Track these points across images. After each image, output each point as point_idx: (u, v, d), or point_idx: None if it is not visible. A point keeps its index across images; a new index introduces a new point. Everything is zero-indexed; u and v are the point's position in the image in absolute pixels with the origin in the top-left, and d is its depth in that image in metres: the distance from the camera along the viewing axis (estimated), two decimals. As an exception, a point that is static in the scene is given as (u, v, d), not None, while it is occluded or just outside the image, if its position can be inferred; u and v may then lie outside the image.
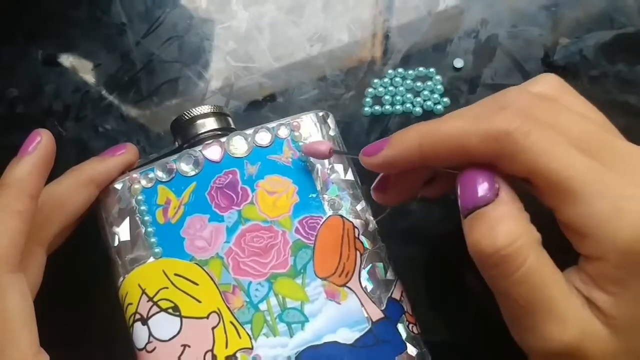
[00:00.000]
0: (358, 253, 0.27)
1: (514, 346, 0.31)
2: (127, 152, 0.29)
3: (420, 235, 0.33)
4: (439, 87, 0.34)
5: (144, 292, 0.26)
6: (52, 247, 0.27)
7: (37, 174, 0.24)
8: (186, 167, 0.27)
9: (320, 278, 0.26)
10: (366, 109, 0.35)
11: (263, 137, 0.28)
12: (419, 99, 0.34)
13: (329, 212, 0.27)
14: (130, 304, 0.26)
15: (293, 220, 0.27)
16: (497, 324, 0.31)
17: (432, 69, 0.35)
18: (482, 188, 0.22)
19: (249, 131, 0.28)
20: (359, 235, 0.27)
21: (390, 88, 0.35)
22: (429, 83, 0.35)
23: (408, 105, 0.35)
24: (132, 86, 0.36)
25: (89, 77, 0.37)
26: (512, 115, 0.21)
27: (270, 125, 0.28)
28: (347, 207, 0.27)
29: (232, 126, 0.30)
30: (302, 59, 0.36)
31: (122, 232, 0.27)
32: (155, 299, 0.26)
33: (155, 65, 0.37)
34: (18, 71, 0.37)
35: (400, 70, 0.35)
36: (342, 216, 0.27)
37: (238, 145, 0.28)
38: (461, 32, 0.36)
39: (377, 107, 0.35)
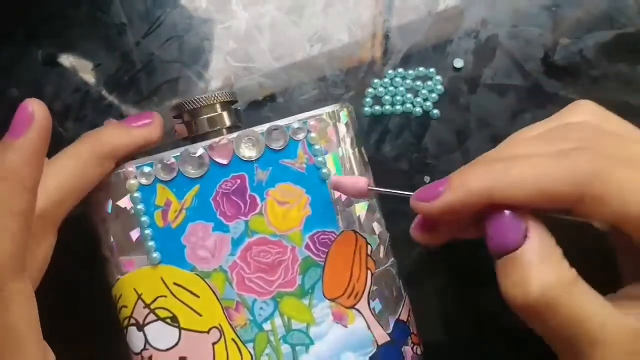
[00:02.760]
0: (369, 272, 0.25)
1: (514, 346, 0.31)
2: (152, 125, 0.26)
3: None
4: (439, 87, 0.34)
5: (140, 297, 0.25)
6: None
7: (35, 160, 0.20)
8: (189, 168, 0.25)
9: (328, 299, 0.25)
10: (366, 109, 0.35)
11: (276, 138, 0.26)
12: (419, 99, 0.34)
13: (343, 227, 0.26)
14: (125, 306, 0.25)
15: (304, 235, 0.25)
16: (497, 325, 0.31)
17: (432, 69, 0.35)
18: (510, 230, 0.21)
19: (261, 130, 0.26)
20: (371, 252, 0.26)
21: (390, 88, 0.35)
22: (429, 83, 0.35)
23: (408, 105, 0.35)
24: (132, 86, 0.36)
25: (89, 77, 0.37)
26: (592, 155, 0.20)
27: (284, 123, 0.26)
28: (362, 219, 0.26)
29: (239, 123, 0.28)
30: (302, 59, 0.36)
31: (116, 230, 0.25)
32: (152, 307, 0.25)
33: (155, 65, 0.37)
34: (18, 71, 0.37)
35: (400, 70, 0.35)
36: (355, 231, 0.26)
37: (248, 146, 0.26)
38: (461, 32, 0.36)
39: (377, 107, 0.35)
